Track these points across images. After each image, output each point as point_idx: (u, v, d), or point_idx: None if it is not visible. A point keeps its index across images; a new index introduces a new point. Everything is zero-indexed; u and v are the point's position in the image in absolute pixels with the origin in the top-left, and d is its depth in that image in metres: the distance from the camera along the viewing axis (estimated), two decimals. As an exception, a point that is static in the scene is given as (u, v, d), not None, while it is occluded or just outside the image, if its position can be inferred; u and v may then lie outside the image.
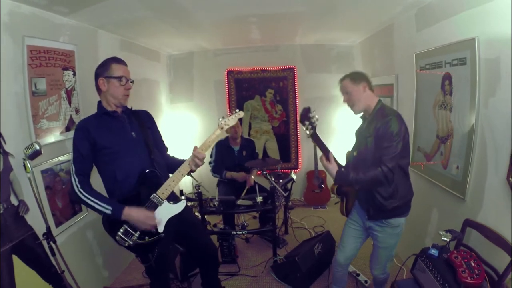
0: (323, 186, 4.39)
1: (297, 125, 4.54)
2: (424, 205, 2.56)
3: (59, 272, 1.85)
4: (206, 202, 3.03)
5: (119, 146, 1.78)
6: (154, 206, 1.78)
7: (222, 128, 1.87)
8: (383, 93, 3.29)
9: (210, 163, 3.61)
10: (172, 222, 1.84)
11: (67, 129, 2.36)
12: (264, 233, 3.43)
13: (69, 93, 2.38)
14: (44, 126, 2.12)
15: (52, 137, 2.20)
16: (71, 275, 1.92)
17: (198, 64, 4.45)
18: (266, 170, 3.18)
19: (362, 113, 2.05)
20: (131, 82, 1.83)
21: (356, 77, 1.96)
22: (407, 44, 2.76)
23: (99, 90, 1.81)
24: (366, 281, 2.65)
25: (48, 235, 1.82)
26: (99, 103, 1.85)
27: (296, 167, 4.64)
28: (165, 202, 1.81)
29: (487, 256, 1.78)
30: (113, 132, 1.80)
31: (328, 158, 1.89)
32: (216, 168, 3.54)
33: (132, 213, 1.69)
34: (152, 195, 1.78)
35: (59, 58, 2.26)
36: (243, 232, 3.03)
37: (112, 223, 1.73)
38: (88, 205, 1.69)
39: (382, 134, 1.76)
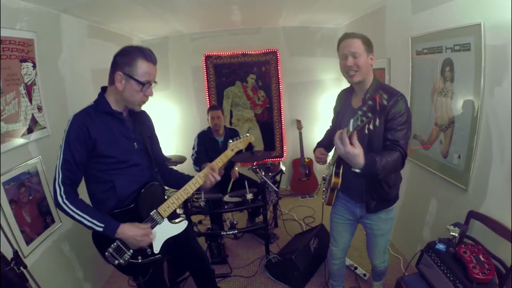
0: (310, 174, 4.30)
1: (281, 112, 4.37)
2: (422, 195, 2.52)
3: (37, 297, 1.60)
4: (191, 202, 2.83)
5: (122, 156, 1.51)
6: (153, 224, 1.57)
7: (232, 150, 1.76)
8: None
9: (192, 155, 3.38)
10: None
11: (29, 130, 2.02)
12: (255, 230, 3.27)
13: (29, 89, 2.03)
14: (3, 129, 1.79)
15: (12, 142, 1.87)
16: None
17: (173, 49, 4.10)
18: (255, 163, 3.01)
19: (349, 89, 1.90)
20: (154, 83, 1.50)
21: (370, 44, 1.68)
22: (401, 27, 2.63)
23: (112, 82, 1.46)
24: (364, 274, 2.60)
25: (17, 260, 1.55)
26: (103, 94, 1.52)
27: (281, 156, 4.50)
28: (166, 220, 1.61)
29: (492, 248, 1.75)
30: (118, 138, 1.51)
31: (352, 142, 1.31)
32: (198, 161, 3.30)
33: (127, 231, 1.45)
34: (153, 211, 1.57)
35: (16, 49, 1.91)
36: (234, 231, 2.87)
37: (102, 237, 1.49)
38: (74, 219, 1.42)
39: (393, 115, 1.58)
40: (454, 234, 1.84)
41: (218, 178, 1.68)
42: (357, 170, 1.37)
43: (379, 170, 1.41)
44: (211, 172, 1.66)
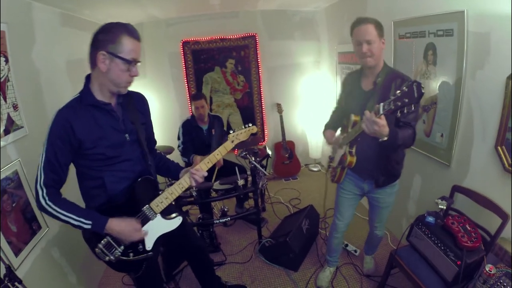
0: (292, 156, 4.38)
1: (261, 96, 4.37)
2: (406, 173, 2.60)
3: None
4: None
5: (112, 152, 1.41)
6: (145, 219, 1.52)
7: (232, 142, 1.65)
8: (355, 60, 3.25)
9: (178, 146, 3.32)
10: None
11: (6, 131, 1.83)
12: (247, 216, 3.28)
13: (2, 86, 1.84)
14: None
15: (-11, 147, 1.68)
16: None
17: (149, 36, 3.90)
18: (244, 149, 3.02)
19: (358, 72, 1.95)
20: (138, 62, 1.37)
21: (382, 28, 1.72)
22: (383, 11, 2.68)
23: (93, 64, 1.33)
24: (355, 251, 2.75)
25: (10, 276, 1.47)
26: (88, 83, 1.39)
27: (262, 139, 4.52)
28: (159, 216, 1.55)
29: (475, 218, 1.89)
30: (106, 132, 1.40)
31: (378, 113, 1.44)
32: (185, 151, 3.25)
33: (115, 226, 1.40)
34: (145, 207, 1.51)
35: (-14, 42, 1.71)
36: (226, 219, 2.88)
37: (92, 233, 1.42)
38: (61, 220, 1.34)
39: None
40: (442, 207, 1.98)
41: (203, 175, 1.59)
42: (385, 138, 1.51)
43: (399, 140, 1.59)
44: (193, 174, 1.57)
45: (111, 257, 1.45)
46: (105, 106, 1.40)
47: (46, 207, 1.32)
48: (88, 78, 1.41)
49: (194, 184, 1.58)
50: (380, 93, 1.75)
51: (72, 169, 1.45)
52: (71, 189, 1.47)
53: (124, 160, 1.47)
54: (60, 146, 1.31)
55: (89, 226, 1.36)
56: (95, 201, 1.47)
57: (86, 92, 1.38)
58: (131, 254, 1.50)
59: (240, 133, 1.68)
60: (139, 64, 1.38)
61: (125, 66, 1.32)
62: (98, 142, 1.37)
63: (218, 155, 1.61)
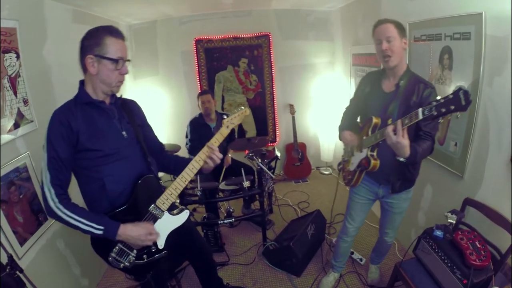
0: (303, 159, 4.31)
1: (273, 96, 4.31)
2: (417, 181, 2.51)
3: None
4: (186, 189, 2.77)
5: (109, 148, 1.40)
6: (153, 219, 1.50)
7: (227, 127, 1.61)
8: (369, 62, 3.15)
9: (186, 144, 3.33)
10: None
11: (16, 125, 1.90)
12: (252, 217, 3.24)
13: (13, 81, 1.91)
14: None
15: (-2, 139, 1.74)
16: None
17: (162, 33, 3.94)
18: (251, 151, 2.99)
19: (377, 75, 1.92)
20: (127, 61, 1.42)
21: (403, 28, 1.72)
22: (398, 12, 2.58)
23: (85, 69, 1.38)
24: (361, 259, 2.67)
25: (12, 264, 1.50)
26: (82, 86, 1.43)
27: (274, 141, 4.48)
28: (166, 213, 1.54)
29: (486, 234, 1.80)
30: (101, 129, 1.41)
31: (397, 130, 1.44)
32: (193, 149, 3.26)
33: (130, 232, 1.38)
34: (151, 206, 1.50)
35: (-2, 39, 1.77)
36: (231, 220, 2.86)
37: (103, 242, 1.42)
38: (70, 225, 1.32)
39: None
40: (451, 221, 1.88)
41: (221, 156, 1.58)
42: (402, 159, 1.53)
43: (418, 158, 1.59)
44: (212, 152, 1.54)
45: (126, 264, 1.45)
46: (100, 104, 1.43)
47: (56, 210, 1.30)
48: (82, 82, 1.45)
49: (211, 164, 1.57)
50: (403, 96, 1.73)
51: (73, 181, 1.45)
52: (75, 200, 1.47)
53: (123, 157, 1.46)
54: (59, 142, 1.31)
55: (100, 232, 1.33)
56: (98, 207, 1.45)
57: (80, 93, 1.42)
58: (145, 256, 1.50)
59: (234, 117, 1.63)
60: (128, 62, 1.43)
61: (113, 65, 1.36)
62: (94, 138, 1.38)
63: (215, 142, 1.58)
